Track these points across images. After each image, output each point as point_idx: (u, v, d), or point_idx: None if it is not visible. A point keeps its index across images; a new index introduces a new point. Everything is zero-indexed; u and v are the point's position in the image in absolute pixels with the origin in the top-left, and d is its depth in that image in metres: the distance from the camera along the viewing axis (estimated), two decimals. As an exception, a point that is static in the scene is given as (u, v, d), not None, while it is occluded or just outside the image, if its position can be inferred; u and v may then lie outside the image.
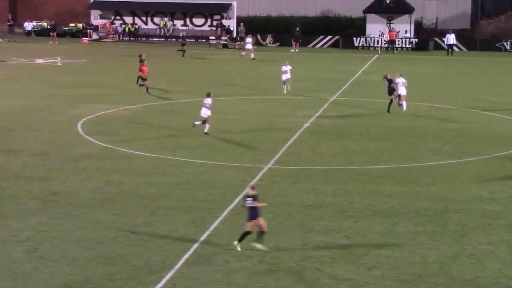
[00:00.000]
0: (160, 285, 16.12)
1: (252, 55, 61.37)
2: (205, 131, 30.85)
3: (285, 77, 42.96)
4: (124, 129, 32.56)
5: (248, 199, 17.78)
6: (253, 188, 17.97)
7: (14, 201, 21.93)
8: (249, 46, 62.74)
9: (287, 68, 42.96)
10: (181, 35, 68.26)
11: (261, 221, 17.79)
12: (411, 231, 19.77)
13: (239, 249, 17.80)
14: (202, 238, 18.86)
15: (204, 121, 30.92)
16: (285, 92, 42.51)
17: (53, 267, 16.95)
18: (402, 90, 35.80)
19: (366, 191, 23.35)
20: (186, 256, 17.68)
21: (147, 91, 41.43)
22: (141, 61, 41.65)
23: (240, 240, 17.86)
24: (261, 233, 17.87)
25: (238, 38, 73.46)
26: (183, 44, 64.18)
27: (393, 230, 19.81)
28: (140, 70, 41.44)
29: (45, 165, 26.08)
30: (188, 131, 32.00)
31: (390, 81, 36.30)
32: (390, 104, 36.28)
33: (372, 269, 17.13)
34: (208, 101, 31.02)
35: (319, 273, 16.85)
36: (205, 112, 30.93)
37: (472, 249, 18.54)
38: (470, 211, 21.62)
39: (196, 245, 18.38)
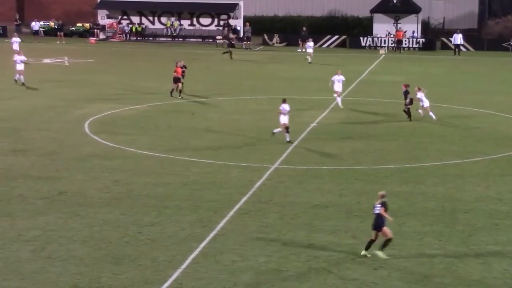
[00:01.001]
0: (166, 284, 16.15)
1: (310, 59, 59.94)
2: (287, 139, 29.72)
3: (337, 88, 38.41)
4: (131, 128, 32.59)
5: (377, 205, 17.61)
6: (382, 196, 17.71)
7: (21, 200, 21.99)
8: (310, 50, 61.44)
9: (340, 77, 38.61)
10: (230, 36, 65.06)
11: (386, 229, 17.56)
12: (418, 231, 19.76)
13: (369, 255, 17.60)
14: (208, 238, 18.89)
15: (286, 129, 29.80)
16: (341, 107, 38.08)
17: (60, 267, 17.00)
18: (425, 102, 35.46)
19: (373, 191, 23.22)
20: (193, 255, 17.71)
21: (179, 94, 40.65)
22: (176, 64, 41.15)
23: (367, 248, 17.68)
24: (387, 240, 17.63)
25: (245, 38, 73.43)
26: (230, 46, 61.92)
27: (400, 230, 19.77)
28: (175, 71, 40.91)
29: (53, 165, 26.13)
30: (195, 131, 32.02)
31: (406, 91, 35.79)
32: (405, 111, 35.90)
33: (379, 269, 17.12)
34: (286, 107, 29.86)
35: (326, 273, 16.85)
36: (284, 120, 29.78)
37: (479, 249, 18.53)
38: (477, 211, 21.59)
39: (202, 245, 18.41)
